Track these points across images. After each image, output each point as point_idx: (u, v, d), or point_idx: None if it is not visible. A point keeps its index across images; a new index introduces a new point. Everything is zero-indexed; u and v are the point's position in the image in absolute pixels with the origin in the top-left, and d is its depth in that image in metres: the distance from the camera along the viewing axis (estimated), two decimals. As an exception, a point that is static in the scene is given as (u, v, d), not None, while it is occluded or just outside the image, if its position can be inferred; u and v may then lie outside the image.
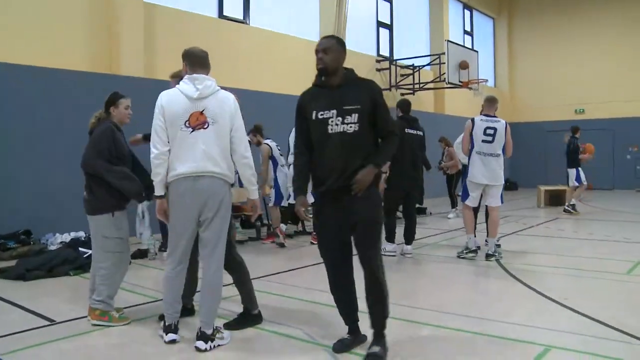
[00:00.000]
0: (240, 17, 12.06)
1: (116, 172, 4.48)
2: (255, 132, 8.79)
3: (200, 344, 3.82)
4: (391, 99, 15.92)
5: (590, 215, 12.75)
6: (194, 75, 3.91)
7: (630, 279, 6.08)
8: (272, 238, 8.84)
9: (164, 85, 9.40)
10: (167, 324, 4.01)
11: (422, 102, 17.31)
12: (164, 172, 3.88)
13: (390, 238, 7.59)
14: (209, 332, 3.88)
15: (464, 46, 17.65)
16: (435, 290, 5.73)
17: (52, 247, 7.46)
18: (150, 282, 5.91)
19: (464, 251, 7.29)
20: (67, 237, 7.75)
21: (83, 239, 7.55)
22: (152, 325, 4.43)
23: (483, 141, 7.09)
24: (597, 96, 20.62)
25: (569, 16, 21.51)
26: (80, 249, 6.92)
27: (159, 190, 3.94)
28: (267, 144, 8.77)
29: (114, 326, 4.39)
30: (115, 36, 9.37)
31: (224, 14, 11.65)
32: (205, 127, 3.82)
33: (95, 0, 9.22)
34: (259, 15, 12.48)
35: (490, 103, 7.34)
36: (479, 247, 7.34)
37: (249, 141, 8.56)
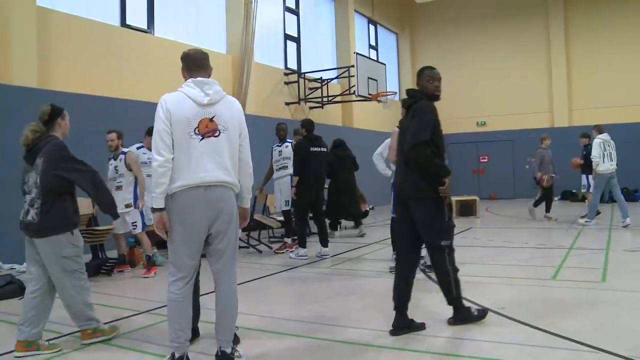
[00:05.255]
0: (145, 26, 11.48)
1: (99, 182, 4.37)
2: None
3: None
4: (300, 112, 15.76)
5: (500, 223, 13.08)
6: (201, 79, 3.70)
7: (557, 284, 6.12)
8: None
9: (60, 96, 8.66)
10: (177, 356, 3.56)
11: (330, 116, 17.28)
12: (167, 181, 3.52)
13: (302, 243, 8.38)
14: (229, 350, 3.65)
15: (372, 59, 17.79)
16: (368, 307, 5.37)
17: None
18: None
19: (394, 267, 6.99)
20: None
21: None
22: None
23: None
24: (496, 109, 21.64)
25: (466, 32, 22.45)
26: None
27: (159, 203, 3.55)
28: None
29: (105, 339, 4.31)
30: (4, 42, 8.56)
31: (127, 22, 11.03)
32: (216, 134, 3.57)
33: (-20, 3, 8.37)
34: (164, 26, 11.96)
35: None
36: None
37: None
